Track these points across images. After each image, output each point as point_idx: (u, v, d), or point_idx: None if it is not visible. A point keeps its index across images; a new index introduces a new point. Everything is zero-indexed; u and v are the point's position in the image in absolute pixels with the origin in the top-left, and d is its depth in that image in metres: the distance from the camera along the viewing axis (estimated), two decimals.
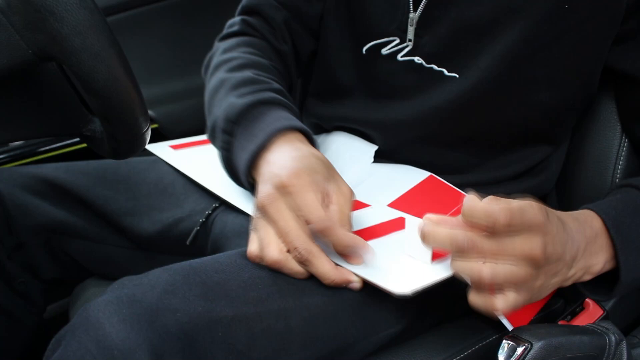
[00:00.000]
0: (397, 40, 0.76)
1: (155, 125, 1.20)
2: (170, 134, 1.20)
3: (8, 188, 0.82)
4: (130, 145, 0.63)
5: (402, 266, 0.62)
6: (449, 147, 0.76)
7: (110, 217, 0.84)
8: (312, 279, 0.61)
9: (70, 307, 0.90)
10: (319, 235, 0.59)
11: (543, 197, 0.83)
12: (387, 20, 0.77)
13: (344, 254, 0.60)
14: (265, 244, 0.60)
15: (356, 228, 0.67)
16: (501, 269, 0.54)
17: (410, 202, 0.73)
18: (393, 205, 0.73)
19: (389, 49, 0.77)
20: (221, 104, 0.73)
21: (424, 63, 0.75)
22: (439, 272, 0.60)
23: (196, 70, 1.27)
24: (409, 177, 0.76)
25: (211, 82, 0.79)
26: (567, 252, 0.58)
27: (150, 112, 1.17)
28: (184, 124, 1.23)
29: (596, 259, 0.62)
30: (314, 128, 0.89)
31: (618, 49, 0.72)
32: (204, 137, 0.97)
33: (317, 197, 0.59)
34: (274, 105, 0.71)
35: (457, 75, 0.73)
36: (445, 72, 0.74)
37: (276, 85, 0.76)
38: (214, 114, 0.74)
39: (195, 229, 0.80)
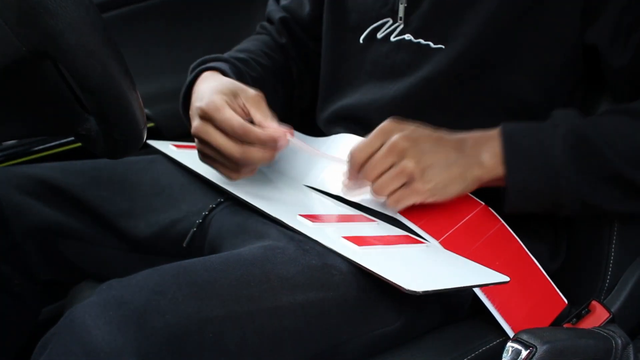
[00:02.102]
0: (390, 21, 0.81)
1: (152, 124, 1.19)
2: (167, 133, 1.19)
3: (2, 188, 0.82)
4: (126, 145, 0.63)
5: (418, 269, 0.62)
6: (445, 123, 0.76)
7: (106, 219, 0.84)
8: (306, 274, 0.61)
9: (65, 309, 0.89)
10: (243, 138, 0.70)
11: None
12: (379, 4, 0.82)
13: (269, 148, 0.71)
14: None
15: (374, 234, 0.69)
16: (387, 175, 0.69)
17: (421, 208, 0.72)
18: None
19: (383, 32, 0.82)
20: None
21: (412, 39, 0.79)
22: (454, 280, 0.60)
23: None
24: None
25: None
26: (443, 142, 0.71)
27: (146, 110, 1.16)
28: (182, 123, 1.22)
29: (485, 149, 0.71)
30: (325, 127, 0.91)
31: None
32: None
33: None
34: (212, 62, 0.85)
35: (444, 47, 0.77)
36: (432, 44, 0.78)
37: (241, 55, 0.89)
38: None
39: (192, 230, 0.79)
